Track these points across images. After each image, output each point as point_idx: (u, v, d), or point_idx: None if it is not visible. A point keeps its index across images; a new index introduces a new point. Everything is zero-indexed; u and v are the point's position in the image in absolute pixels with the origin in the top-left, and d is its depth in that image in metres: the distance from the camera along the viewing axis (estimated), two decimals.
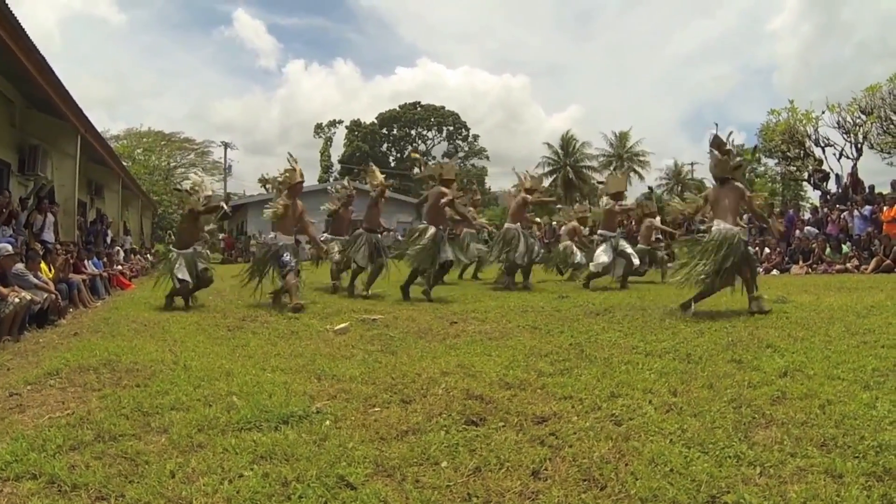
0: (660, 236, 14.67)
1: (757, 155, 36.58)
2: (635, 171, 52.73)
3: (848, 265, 15.10)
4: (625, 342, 5.44)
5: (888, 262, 14.18)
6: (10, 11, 8.53)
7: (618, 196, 12.14)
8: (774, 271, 16.54)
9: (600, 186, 13.25)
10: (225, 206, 10.28)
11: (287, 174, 9.25)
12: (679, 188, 29.47)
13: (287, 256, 8.92)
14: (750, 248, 11.79)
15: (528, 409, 3.45)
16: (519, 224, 11.72)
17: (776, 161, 33.69)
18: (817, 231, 17.60)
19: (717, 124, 21.81)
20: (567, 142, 54.52)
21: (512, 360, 4.73)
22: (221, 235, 32.47)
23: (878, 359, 4.38)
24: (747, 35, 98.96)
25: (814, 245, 16.39)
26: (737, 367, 4.37)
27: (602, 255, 11.49)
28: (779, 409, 3.34)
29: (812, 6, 74.74)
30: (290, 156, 9.49)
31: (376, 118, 63.31)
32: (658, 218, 14.75)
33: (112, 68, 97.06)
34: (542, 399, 3.69)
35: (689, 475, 2.47)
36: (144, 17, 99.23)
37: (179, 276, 8.89)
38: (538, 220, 15.56)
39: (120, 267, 15.77)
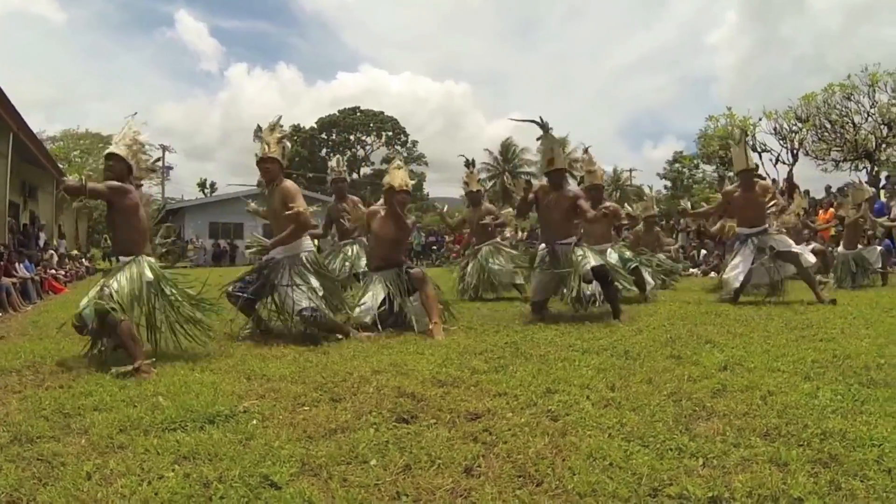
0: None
1: (695, 161, 37.60)
2: (573, 176, 53.52)
3: None
4: (561, 340, 5.39)
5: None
6: None
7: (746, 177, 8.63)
8: (712, 273, 16.89)
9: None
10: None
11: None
12: (618, 194, 30.18)
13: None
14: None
15: (461, 406, 3.33)
16: None
17: (714, 167, 34.63)
18: None
19: None
20: (506, 148, 55.16)
21: (445, 359, 4.63)
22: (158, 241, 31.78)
23: (816, 351, 4.45)
24: (687, 47, 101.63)
25: None
26: (676, 362, 4.35)
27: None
28: (720, 401, 3.30)
29: (751, 21, 76.93)
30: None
31: (316, 123, 63.02)
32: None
33: (51, 69, 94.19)
34: (476, 396, 3.58)
35: (629, 469, 2.39)
36: (84, 16, 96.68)
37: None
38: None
39: (53, 271, 15.25)
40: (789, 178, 23.14)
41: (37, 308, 10.55)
